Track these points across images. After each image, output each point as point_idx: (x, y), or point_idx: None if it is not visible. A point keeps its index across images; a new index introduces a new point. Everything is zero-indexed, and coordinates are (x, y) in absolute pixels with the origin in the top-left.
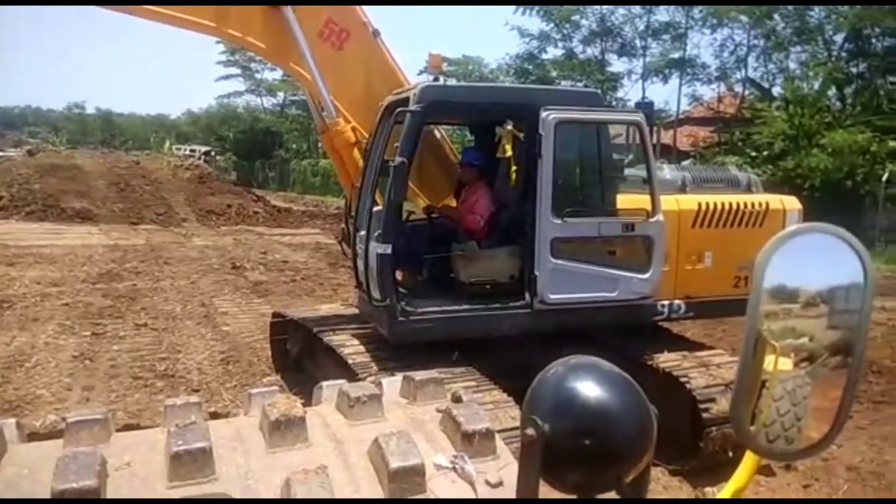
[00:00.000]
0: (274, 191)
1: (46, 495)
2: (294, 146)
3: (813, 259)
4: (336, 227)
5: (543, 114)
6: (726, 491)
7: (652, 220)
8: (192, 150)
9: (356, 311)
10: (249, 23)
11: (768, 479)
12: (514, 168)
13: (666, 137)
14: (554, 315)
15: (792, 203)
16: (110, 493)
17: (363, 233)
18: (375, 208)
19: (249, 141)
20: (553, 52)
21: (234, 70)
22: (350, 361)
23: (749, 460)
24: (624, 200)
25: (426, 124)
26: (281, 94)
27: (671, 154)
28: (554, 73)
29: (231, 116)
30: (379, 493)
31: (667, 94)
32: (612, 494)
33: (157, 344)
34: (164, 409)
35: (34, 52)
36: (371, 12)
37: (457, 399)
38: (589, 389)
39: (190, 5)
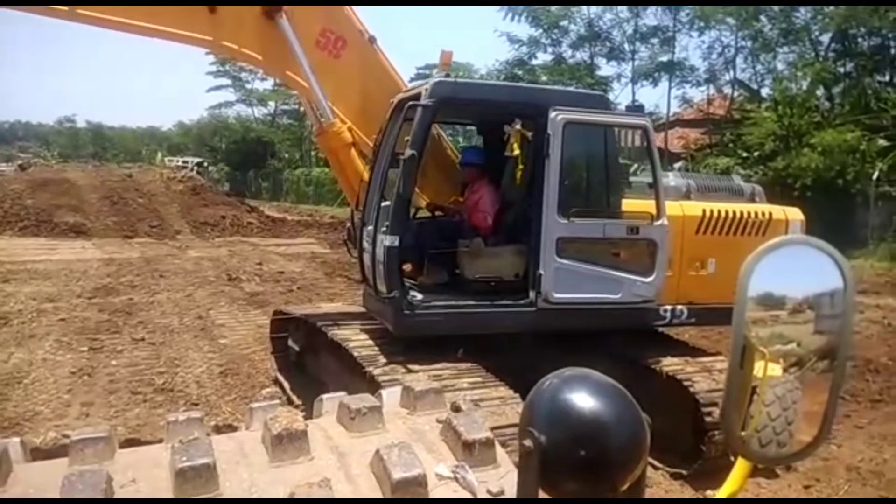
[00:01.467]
0: (267, 201)
1: None
2: (286, 155)
3: (795, 269)
4: (330, 237)
5: (552, 114)
6: (721, 494)
7: (656, 223)
8: (184, 162)
9: (357, 309)
10: (245, 35)
11: (769, 482)
12: (520, 167)
13: (657, 140)
14: (557, 314)
15: (795, 214)
16: None
17: (370, 227)
18: (383, 203)
19: (241, 151)
20: (543, 58)
21: (225, 80)
22: (356, 354)
23: (742, 465)
24: (629, 204)
25: (435, 121)
26: (272, 104)
27: (662, 157)
28: (544, 78)
29: (222, 127)
30: None
31: (657, 97)
32: None
33: (156, 358)
34: (166, 424)
35: (23, 67)
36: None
37: (456, 409)
38: (583, 401)
39: (184, 23)
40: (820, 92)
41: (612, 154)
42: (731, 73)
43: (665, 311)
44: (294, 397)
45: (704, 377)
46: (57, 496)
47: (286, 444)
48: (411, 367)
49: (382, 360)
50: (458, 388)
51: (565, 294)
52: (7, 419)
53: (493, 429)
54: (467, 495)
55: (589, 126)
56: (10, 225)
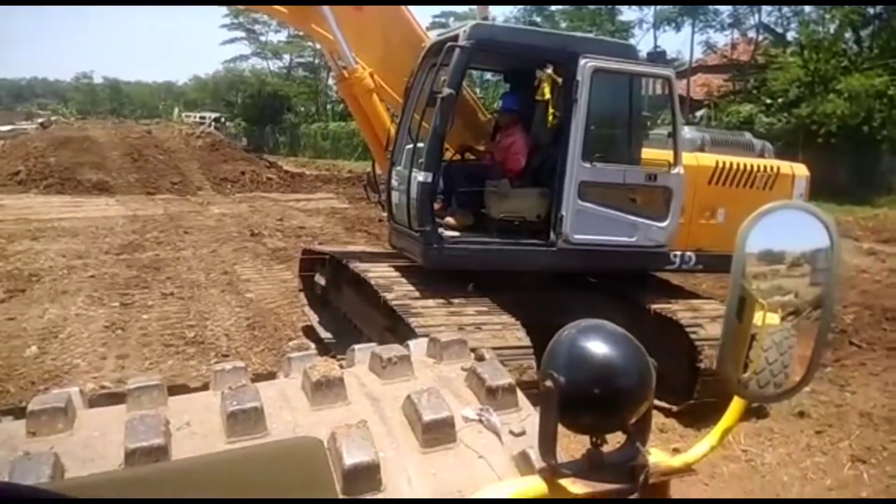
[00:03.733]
0: (285, 156)
1: (119, 454)
2: (302, 109)
3: (788, 230)
4: (349, 192)
5: (582, 61)
6: (716, 431)
7: (673, 171)
8: (202, 118)
9: (378, 249)
10: None
11: (781, 426)
12: (551, 111)
13: (679, 87)
14: (575, 255)
15: (801, 170)
16: (175, 451)
17: (399, 167)
18: (410, 145)
19: (258, 106)
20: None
21: (239, 33)
22: (373, 283)
23: (737, 403)
24: (647, 153)
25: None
26: (287, 57)
27: (684, 104)
28: (563, 25)
29: (238, 81)
30: (414, 444)
31: (679, 43)
32: (620, 435)
33: (185, 312)
34: (212, 373)
35: (38, 23)
36: None
37: (480, 358)
38: (597, 347)
39: None
40: (848, 35)
41: (636, 103)
42: (757, 16)
43: (675, 256)
44: (320, 329)
45: (700, 321)
46: (121, 438)
47: (325, 390)
48: (424, 295)
49: (397, 289)
50: (465, 314)
51: (584, 235)
52: (47, 372)
53: (495, 349)
54: (491, 435)
55: (616, 74)
56: (35, 183)
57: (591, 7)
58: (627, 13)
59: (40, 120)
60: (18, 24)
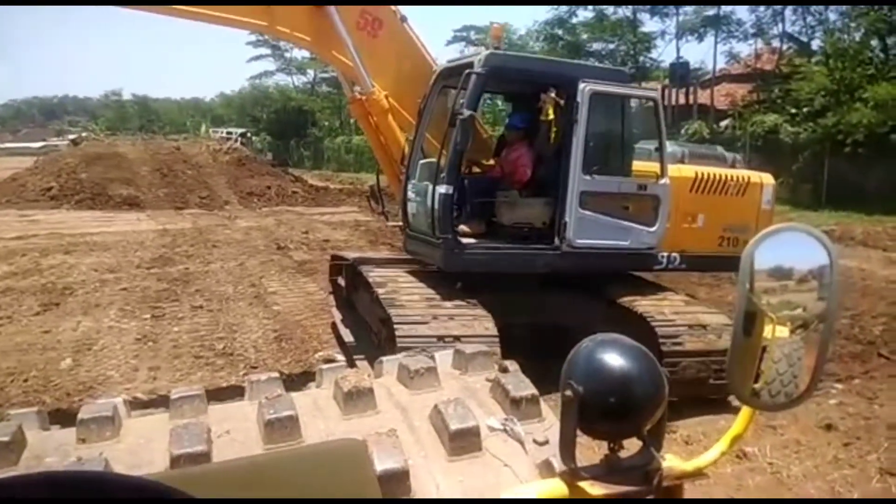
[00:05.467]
0: (309, 170)
1: (164, 460)
2: (326, 124)
3: (792, 249)
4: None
5: (581, 85)
6: (725, 438)
7: (661, 181)
8: (228, 133)
9: (392, 254)
10: (296, 20)
11: (808, 439)
12: (554, 129)
13: (703, 97)
14: (577, 257)
15: (768, 179)
16: (216, 457)
17: (415, 181)
18: (424, 160)
19: (282, 121)
20: (583, 15)
21: (265, 50)
22: (370, 280)
23: (746, 412)
24: (636, 165)
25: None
26: (311, 72)
27: (708, 114)
28: (585, 36)
29: (263, 97)
30: (441, 452)
31: (702, 53)
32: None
33: (214, 324)
34: (248, 383)
35: (67, 41)
36: None
37: (504, 369)
38: (613, 359)
39: (243, 11)
40: (874, 43)
41: (627, 122)
42: (780, 25)
43: (663, 257)
44: (341, 326)
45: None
46: (165, 445)
47: (356, 399)
48: (411, 291)
49: (390, 286)
50: (443, 307)
51: (585, 240)
52: (81, 383)
53: (461, 336)
54: (516, 444)
55: (610, 96)
56: (67, 198)
57: (613, 19)
58: (649, 24)
59: (72, 137)
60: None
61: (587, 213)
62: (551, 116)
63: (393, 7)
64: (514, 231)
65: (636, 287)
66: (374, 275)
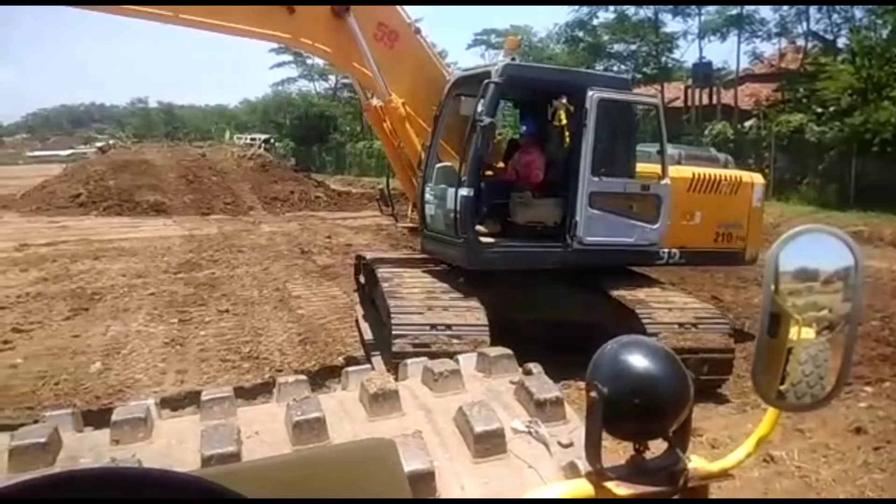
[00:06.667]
0: (331, 174)
1: (196, 461)
2: (348, 129)
3: (817, 250)
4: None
5: (590, 92)
6: (751, 440)
7: (662, 182)
8: (252, 139)
9: (410, 255)
10: (318, 32)
11: (837, 442)
12: (567, 134)
13: (726, 97)
14: (586, 254)
15: (758, 178)
16: (245, 457)
17: (431, 184)
18: (439, 164)
19: (305, 126)
20: (604, 16)
21: (287, 57)
22: (378, 275)
23: (772, 413)
24: (639, 167)
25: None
26: (332, 78)
27: (732, 115)
28: (606, 38)
29: (286, 103)
30: (466, 453)
31: (725, 53)
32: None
33: (240, 328)
34: (276, 385)
35: (93, 50)
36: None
37: (528, 372)
38: (638, 360)
39: (268, 24)
40: None
41: (631, 126)
42: (805, 24)
43: (664, 252)
44: (362, 321)
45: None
46: (196, 446)
47: (381, 401)
48: (414, 285)
49: (395, 280)
50: (441, 299)
51: (594, 237)
52: (111, 386)
53: (453, 325)
54: (540, 446)
55: (616, 103)
56: (95, 205)
57: (635, 20)
58: (671, 24)
59: (99, 144)
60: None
61: (595, 212)
62: (564, 122)
63: (408, 20)
64: (528, 230)
65: (631, 280)
66: (383, 271)
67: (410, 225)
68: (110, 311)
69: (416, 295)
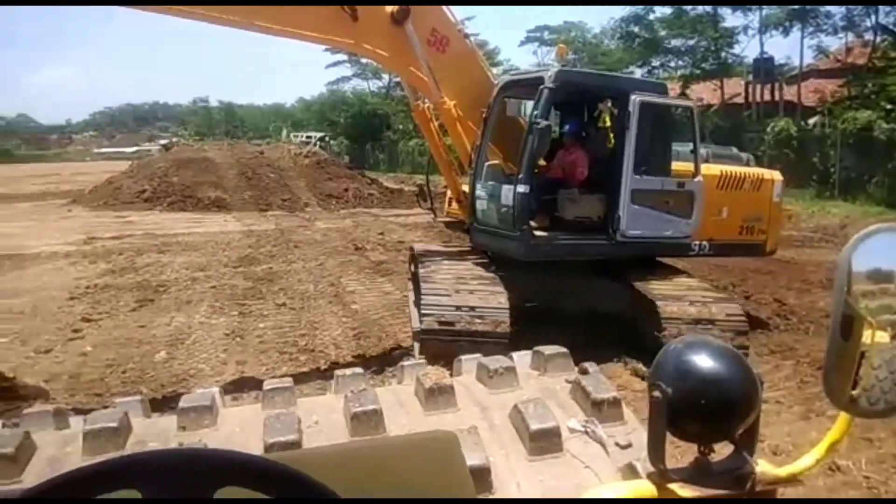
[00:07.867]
0: (384, 172)
1: (259, 447)
2: (401, 127)
3: (890, 251)
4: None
5: (632, 96)
6: (822, 445)
7: (695, 180)
8: (308, 137)
9: (452, 248)
10: (379, 38)
11: (881, 441)
12: (612, 135)
13: (789, 93)
14: (627, 246)
15: (777, 175)
16: (306, 445)
17: (481, 181)
18: (489, 162)
19: (359, 124)
20: (660, 11)
21: (342, 56)
22: (421, 264)
23: (844, 419)
24: (673, 165)
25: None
26: (386, 77)
27: (795, 111)
28: (662, 33)
29: (340, 102)
30: (521, 451)
31: (788, 48)
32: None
33: (297, 322)
34: (335, 377)
35: (157, 52)
36: None
37: (584, 371)
38: (703, 360)
39: (334, 31)
40: None
41: (669, 127)
42: (874, 17)
43: (695, 245)
44: (411, 305)
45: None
46: (259, 433)
47: (437, 396)
48: (447, 270)
49: (432, 266)
50: (469, 283)
51: (635, 231)
52: (175, 375)
53: (476, 307)
54: (597, 446)
55: (655, 106)
56: (160, 201)
57: (693, 14)
58: (731, 19)
59: (163, 142)
60: (138, 53)
61: (636, 207)
62: (608, 123)
63: (459, 25)
64: (575, 224)
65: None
66: (426, 260)
67: (447, 219)
68: (174, 303)
69: (447, 280)
